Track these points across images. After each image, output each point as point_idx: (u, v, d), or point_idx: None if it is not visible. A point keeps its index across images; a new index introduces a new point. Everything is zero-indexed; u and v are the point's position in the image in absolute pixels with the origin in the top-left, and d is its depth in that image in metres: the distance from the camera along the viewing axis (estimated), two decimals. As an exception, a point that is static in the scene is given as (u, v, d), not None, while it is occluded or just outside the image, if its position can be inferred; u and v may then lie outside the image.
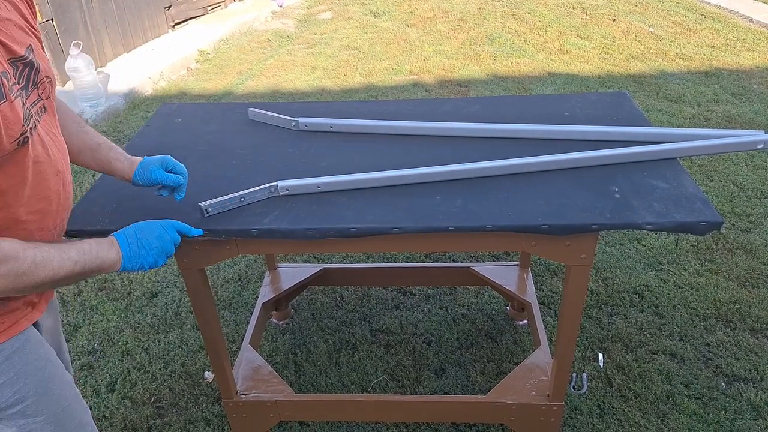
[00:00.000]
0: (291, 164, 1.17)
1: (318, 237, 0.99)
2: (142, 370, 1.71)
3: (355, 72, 3.68)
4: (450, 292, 1.94)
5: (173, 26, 4.42)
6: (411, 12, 4.71)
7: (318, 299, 1.96)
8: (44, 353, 0.86)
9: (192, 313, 1.88)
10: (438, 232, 0.98)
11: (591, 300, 1.87)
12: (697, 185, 1.05)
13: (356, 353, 1.72)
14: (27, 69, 0.76)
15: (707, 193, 2.34)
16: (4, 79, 0.69)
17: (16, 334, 0.80)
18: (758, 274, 1.93)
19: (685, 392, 1.54)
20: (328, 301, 1.94)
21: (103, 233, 1.01)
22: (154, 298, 1.99)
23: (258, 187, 1.04)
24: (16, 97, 0.71)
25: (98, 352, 1.77)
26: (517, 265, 1.75)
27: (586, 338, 1.73)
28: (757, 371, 1.59)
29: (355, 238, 1.00)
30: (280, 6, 4.99)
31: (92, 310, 1.94)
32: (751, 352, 1.65)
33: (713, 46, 3.75)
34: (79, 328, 1.88)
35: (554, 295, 1.90)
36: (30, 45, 0.77)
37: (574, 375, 1.48)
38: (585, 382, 1.42)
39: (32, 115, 0.76)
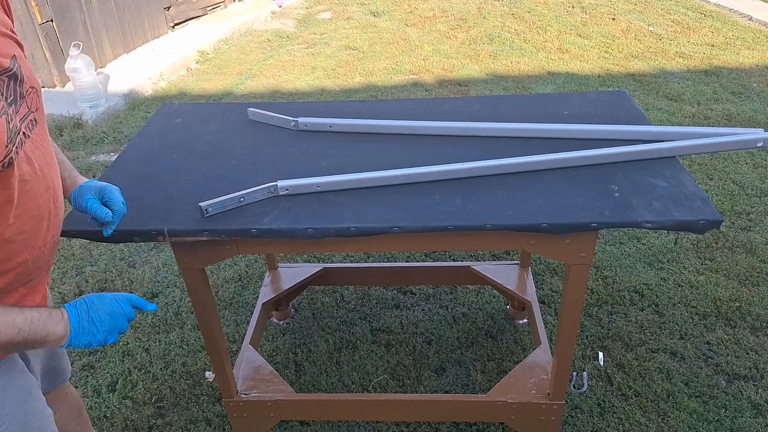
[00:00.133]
0: (291, 164, 1.17)
1: (318, 237, 0.99)
2: (143, 370, 1.71)
3: (355, 72, 3.68)
4: (450, 291, 1.94)
5: (173, 27, 4.42)
6: (410, 12, 4.71)
7: (318, 299, 1.96)
8: (26, 384, 0.82)
9: (192, 313, 1.88)
10: (437, 232, 0.98)
11: (591, 299, 1.87)
12: (697, 184, 1.05)
13: (357, 353, 1.73)
14: (12, 81, 0.71)
15: (707, 192, 2.34)
16: None
17: None
18: (758, 273, 1.93)
19: (686, 390, 1.54)
20: (329, 301, 1.94)
21: (95, 234, 1.01)
22: (155, 299, 2.00)
23: (258, 187, 1.04)
24: (0, 116, 0.66)
25: (99, 351, 1.78)
26: (517, 264, 1.75)
27: (587, 337, 1.73)
28: (758, 369, 1.59)
29: (355, 238, 1.00)
30: (280, 6, 4.99)
31: None
32: (752, 351, 1.65)
33: (713, 45, 3.74)
34: (80, 328, 1.88)
35: (554, 294, 1.90)
36: (14, 54, 0.72)
37: (575, 374, 1.48)
38: (585, 381, 1.42)
39: (20, 132, 0.71)
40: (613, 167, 1.09)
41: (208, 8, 4.74)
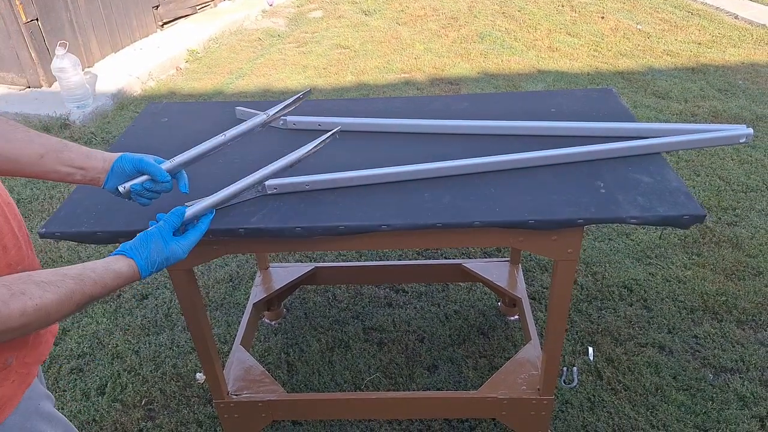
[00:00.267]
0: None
1: (307, 235, 0.99)
2: (133, 373, 1.69)
3: (347, 71, 3.67)
4: (442, 289, 1.95)
5: (162, 25, 4.38)
6: (402, 10, 4.71)
7: (310, 298, 1.95)
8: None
9: (183, 315, 1.86)
10: (426, 229, 0.98)
11: (581, 294, 1.89)
12: (681, 179, 1.06)
13: (349, 351, 1.73)
14: None
15: (694, 188, 2.37)
16: None
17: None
18: (744, 267, 1.96)
19: (674, 384, 1.57)
20: (321, 300, 1.94)
21: (91, 235, 1.00)
22: (145, 300, 1.98)
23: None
24: None
25: (88, 355, 1.76)
26: (507, 261, 1.77)
27: (576, 332, 1.74)
28: (743, 362, 1.62)
29: (344, 236, 1.00)
30: (271, 5, 4.97)
31: (81, 313, 1.92)
32: (738, 344, 1.68)
33: (700, 43, 3.79)
34: (68, 331, 1.86)
35: (545, 290, 1.91)
36: None
37: (565, 369, 1.50)
38: (575, 376, 1.44)
39: None
40: (600, 164, 1.10)
41: (198, 7, 4.70)
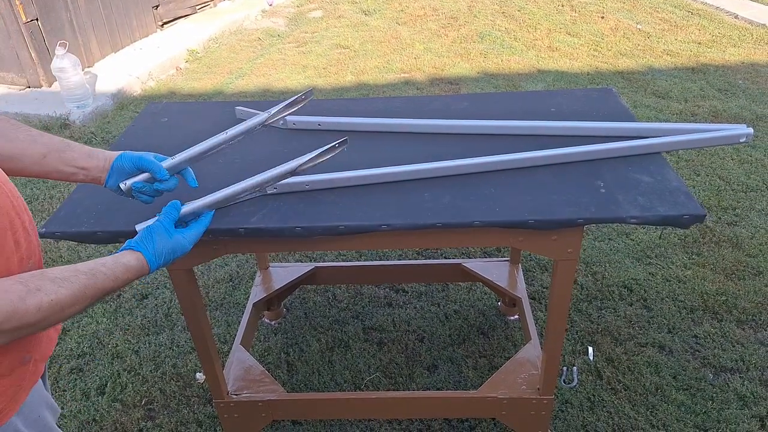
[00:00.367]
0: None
1: (306, 235, 0.99)
2: (133, 373, 1.69)
3: (347, 70, 3.67)
4: (442, 289, 1.95)
5: (162, 25, 4.38)
6: (402, 10, 4.71)
7: (310, 298, 1.95)
8: None
9: (183, 314, 1.86)
10: (426, 229, 0.98)
11: (581, 294, 1.89)
12: (681, 179, 1.06)
13: (349, 351, 1.73)
14: None
15: (694, 188, 2.37)
16: None
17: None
18: (744, 267, 1.96)
19: (674, 384, 1.57)
20: (321, 300, 1.94)
21: (91, 235, 1.00)
22: (144, 300, 1.98)
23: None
24: None
25: (88, 355, 1.76)
26: (507, 260, 1.76)
27: (576, 332, 1.74)
28: (743, 362, 1.62)
29: (344, 236, 1.00)
30: (270, 5, 4.97)
31: (81, 313, 1.92)
32: (738, 343, 1.68)
33: (700, 43, 3.79)
34: (68, 331, 1.86)
35: (545, 290, 1.91)
36: None
37: (565, 369, 1.50)
38: (575, 376, 1.44)
39: None
40: (600, 163, 1.10)
41: (198, 7, 4.70)
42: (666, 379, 1.58)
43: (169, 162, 0.93)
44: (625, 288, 1.91)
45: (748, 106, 3.00)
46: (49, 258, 2.16)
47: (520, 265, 1.75)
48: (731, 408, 1.49)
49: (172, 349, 1.77)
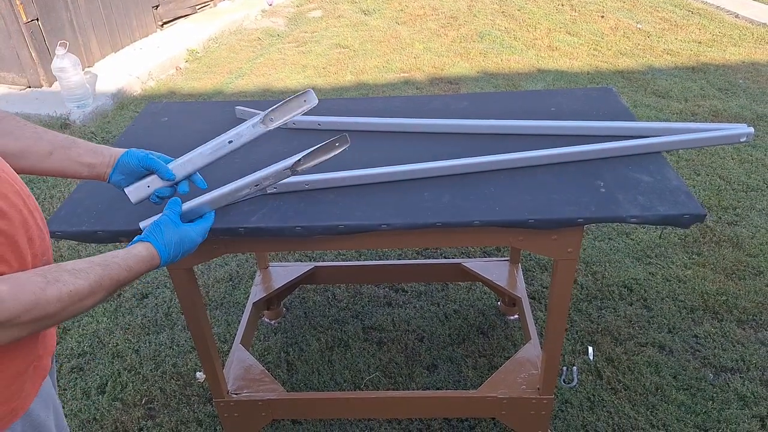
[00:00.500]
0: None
1: (306, 235, 0.99)
2: (133, 372, 1.70)
3: (346, 70, 3.67)
4: (442, 289, 1.95)
5: (161, 25, 4.38)
6: (401, 10, 4.71)
7: (310, 298, 1.95)
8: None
9: (183, 314, 1.87)
10: (426, 229, 0.98)
11: (581, 294, 1.89)
12: (681, 178, 1.06)
13: (349, 351, 1.73)
14: None
15: (694, 187, 2.36)
16: None
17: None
18: (744, 266, 1.96)
19: (674, 384, 1.56)
20: (321, 300, 1.94)
21: (91, 235, 1.00)
22: (145, 300, 1.98)
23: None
24: None
25: (88, 354, 1.76)
26: (507, 260, 1.76)
27: (576, 332, 1.74)
28: (744, 362, 1.62)
29: (344, 235, 1.00)
30: (270, 4, 4.97)
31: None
32: (738, 343, 1.68)
33: (700, 42, 3.79)
34: (69, 330, 1.86)
35: (544, 289, 1.91)
36: None
37: (565, 368, 1.50)
38: (575, 376, 1.44)
39: None
40: (600, 163, 1.09)
41: (197, 7, 4.70)
42: (666, 379, 1.58)
43: (174, 163, 0.93)
44: (625, 288, 1.91)
45: (749, 106, 2.99)
46: (50, 258, 2.17)
47: (519, 264, 1.75)
48: (732, 408, 1.49)
49: (173, 349, 1.77)
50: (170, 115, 1.40)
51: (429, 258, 2.09)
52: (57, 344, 1.80)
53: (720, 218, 2.20)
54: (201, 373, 1.67)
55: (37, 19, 3.32)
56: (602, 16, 4.29)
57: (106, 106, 3.35)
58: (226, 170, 1.15)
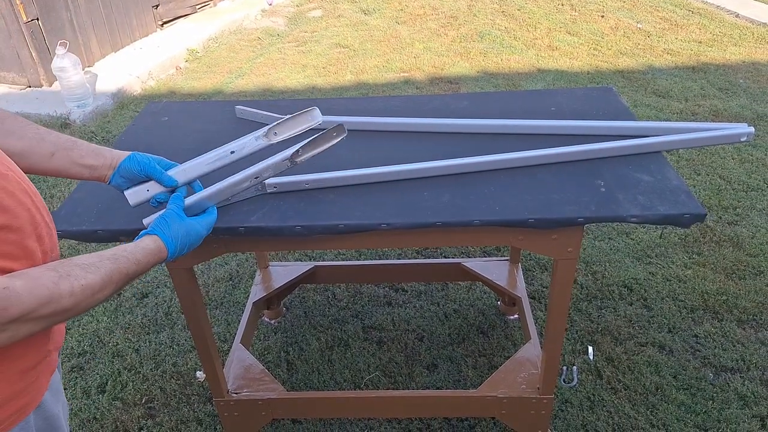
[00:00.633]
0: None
1: (306, 234, 0.99)
2: (133, 371, 1.70)
3: (346, 70, 3.67)
4: (442, 288, 1.95)
5: (161, 25, 4.38)
6: (401, 9, 4.70)
7: (310, 297, 1.95)
8: None
9: (183, 313, 1.87)
10: (426, 228, 0.98)
11: (581, 294, 1.89)
12: (682, 178, 1.06)
13: (348, 350, 1.73)
14: None
15: (694, 187, 2.36)
16: None
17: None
18: (744, 266, 1.96)
19: (674, 383, 1.56)
20: (320, 299, 1.94)
21: (91, 234, 1.00)
22: (145, 299, 1.98)
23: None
24: None
25: (88, 354, 1.76)
26: (507, 260, 1.76)
27: (576, 331, 1.74)
28: (744, 361, 1.62)
29: (344, 235, 1.00)
30: (270, 4, 4.97)
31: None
32: (738, 343, 1.68)
33: (700, 42, 3.79)
34: (69, 329, 1.86)
35: (544, 289, 1.91)
36: None
37: (565, 368, 1.50)
38: (575, 375, 1.44)
39: None
40: (600, 162, 1.09)
41: (197, 6, 4.70)
42: (666, 379, 1.58)
43: (174, 170, 0.94)
44: (625, 287, 1.91)
45: (749, 105, 2.99)
46: (50, 257, 2.17)
47: (519, 264, 1.75)
48: (732, 408, 1.49)
49: (173, 348, 1.77)
50: (170, 114, 1.40)
51: (429, 258, 2.09)
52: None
53: (720, 218, 2.19)
54: (201, 373, 1.67)
55: (38, 19, 3.32)
56: (602, 16, 4.29)
57: (106, 105, 3.35)
58: (226, 169, 1.14)
